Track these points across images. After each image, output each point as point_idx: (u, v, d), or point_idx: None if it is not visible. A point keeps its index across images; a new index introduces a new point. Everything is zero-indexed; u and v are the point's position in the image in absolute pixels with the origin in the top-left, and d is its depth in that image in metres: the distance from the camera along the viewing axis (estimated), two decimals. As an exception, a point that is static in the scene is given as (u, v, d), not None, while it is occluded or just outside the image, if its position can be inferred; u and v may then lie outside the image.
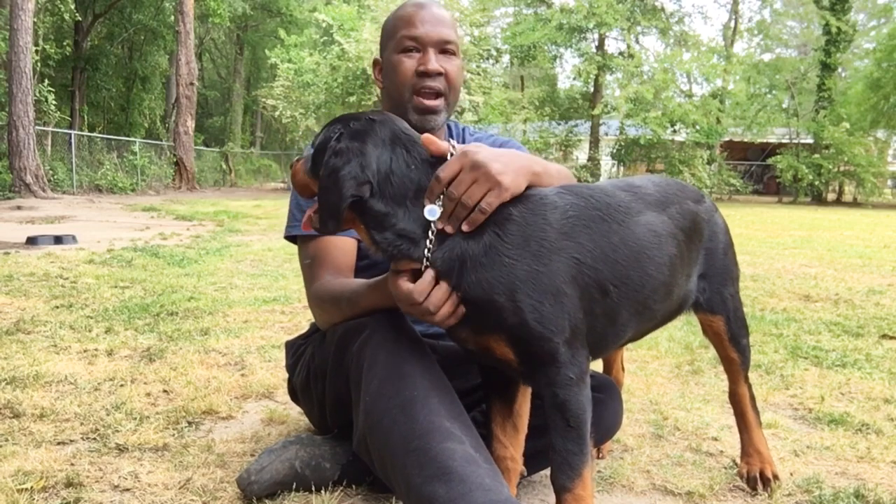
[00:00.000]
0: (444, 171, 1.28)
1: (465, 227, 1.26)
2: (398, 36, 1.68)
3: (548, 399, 1.26)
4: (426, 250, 1.26)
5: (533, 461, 1.60)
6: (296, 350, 1.87)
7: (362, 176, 1.25)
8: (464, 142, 1.89)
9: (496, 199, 1.26)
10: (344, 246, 1.72)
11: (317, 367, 1.69)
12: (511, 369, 1.34)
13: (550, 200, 1.31)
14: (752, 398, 1.81)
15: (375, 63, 1.80)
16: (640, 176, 1.61)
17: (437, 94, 1.68)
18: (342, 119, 1.34)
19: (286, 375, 1.95)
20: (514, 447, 1.48)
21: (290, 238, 1.81)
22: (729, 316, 1.69)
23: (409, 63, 1.67)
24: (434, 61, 1.65)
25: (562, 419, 1.26)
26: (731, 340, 1.72)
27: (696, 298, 1.63)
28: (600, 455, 1.94)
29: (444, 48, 1.68)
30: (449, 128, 1.91)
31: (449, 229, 1.26)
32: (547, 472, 1.80)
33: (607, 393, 1.75)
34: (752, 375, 1.95)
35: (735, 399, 1.81)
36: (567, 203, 1.32)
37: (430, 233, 1.27)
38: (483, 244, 1.25)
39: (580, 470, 1.26)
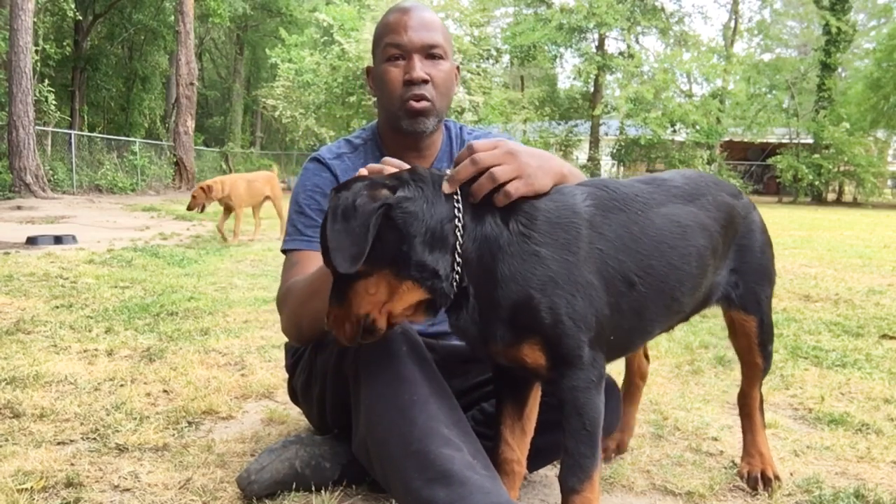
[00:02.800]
0: (479, 143, 1.28)
1: (497, 201, 1.25)
2: (383, 44, 1.68)
3: (568, 402, 1.26)
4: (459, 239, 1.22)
5: (534, 459, 1.60)
6: (295, 351, 1.87)
7: (377, 196, 1.18)
8: (462, 142, 1.89)
9: (523, 188, 1.26)
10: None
11: (317, 369, 1.69)
12: (537, 375, 1.32)
13: (572, 191, 1.33)
14: (762, 402, 1.80)
15: (368, 71, 1.80)
16: (672, 171, 1.59)
17: (426, 100, 1.67)
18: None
19: (286, 376, 1.94)
20: (521, 450, 1.48)
21: (287, 252, 1.75)
22: (763, 319, 1.65)
23: (395, 72, 1.66)
24: (419, 69, 1.64)
25: (579, 422, 1.26)
26: (760, 346, 1.68)
27: (726, 293, 1.59)
28: (604, 456, 1.93)
29: (430, 53, 1.66)
30: (448, 128, 1.91)
31: (447, 188, 1.24)
32: (546, 471, 1.81)
33: (607, 392, 1.73)
34: (752, 375, 1.94)
35: (745, 401, 1.79)
36: (586, 194, 1.33)
37: (457, 212, 1.23)
38: (513, 233, 1.24)
39: (590, 472, 1.27)
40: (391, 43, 1.66)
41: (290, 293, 1.59)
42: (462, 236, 1.23)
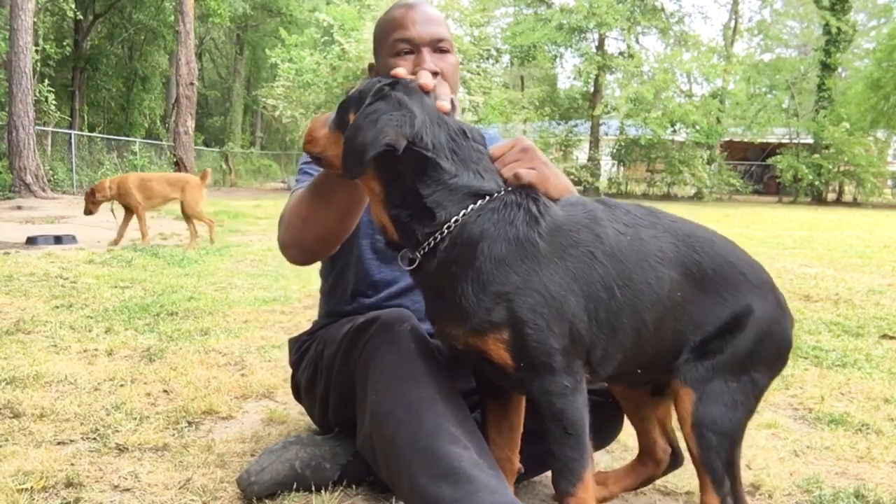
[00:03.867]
0: (495, 147, 1.34)
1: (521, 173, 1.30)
2: (391, 40, 1.67)
3: (545, 407, 1.25)
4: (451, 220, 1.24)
5: (533, 464, 1.60)
6: (300, 346, 1.87)
7: (405, 129, 1.19)
8: None
9: (534, 177, 1.30)
10: None
11: (323, 364, 1.68)
12: (502, 376, 1.30)
13: (579, 200, 1.35)
14: None
15: (371, 68, 1.80)
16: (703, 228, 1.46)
17: None
18: (386, 77, 1.32)
19: (286, 375, 1.95)
20: (510, 447, 1.47)
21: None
22: (708, 411, 1.34)
23: (405, 66, 1.65)
24: (429, 61, 1.64)
25: (559, 427, 1.25)
26: (702, 452, 1.37)
27: (685, 361, 1.37)
28: None
29: (438, 47, 1.67)
30: None
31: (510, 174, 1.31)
32: (547, 472, 1.80)
33: (605, 404, 1.69)
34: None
35: None
36: (588, 202, 1.36)
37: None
38: (515, 222, 1.25)
39: (581, 474, 1.26)
40: (399, 38, 1.66)
41: (296, 196, 1.54)
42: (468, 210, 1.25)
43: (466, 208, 1.24)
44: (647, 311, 1.32)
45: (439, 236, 1.25)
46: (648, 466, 1.68)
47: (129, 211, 7.36)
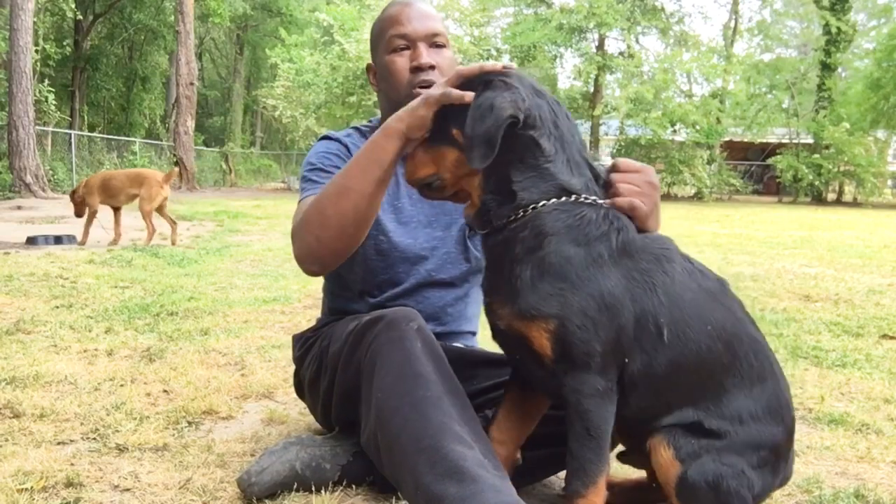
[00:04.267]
0: (623, 161, 1.36)
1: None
2: (387, 36, 1.70)
3: (572, 405, 1.26)
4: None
5: (536, 467, 1.60)
6: (304, 342, 1.86)
7: (520, 104, 1.25)
8: None
9: (642, 214, 1.34)
10: None
11: (328, 359, 1.68)
12: (537, 366, 1.31)
13: (661, 237, 1.38)
14: None
15: (369, 68, 1.82)
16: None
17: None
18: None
19: (286, 375, 1.94)
20: (510, 436, 1.47)
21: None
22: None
23: (402, 61, 1.69)
24: (426, 55, 1.67)
25: (583, 427, 1.25)
26: None
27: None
28: None
29: (434, 41, 1.69)
30: None
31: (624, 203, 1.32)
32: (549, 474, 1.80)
33: None
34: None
35: None
36: (671, 244, 1.37)
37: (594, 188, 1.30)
38: (596, 224, 1.28)
39: (595, 478, 1.26)
40: (396, 34, 1.68)
41: (313, 201, 1.52)
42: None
43: (548, 200, 1.28)
44: (683, 365, 1.30)
45: (514, 216, 1.29)
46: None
47: (117, 209, 7.35)
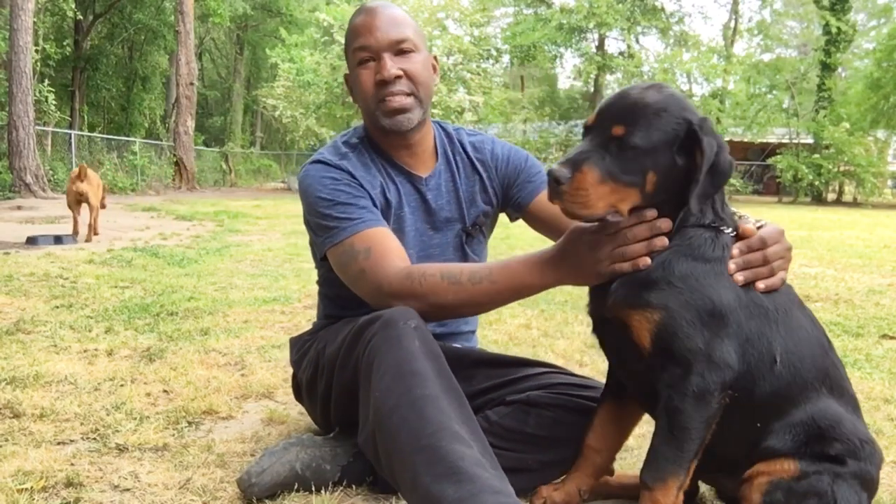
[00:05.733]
0: (767, 230, 1.35)
1: (760, 285, 1.30)
2: (352, 48, 1.69)
3: (664, 400, 1.26)
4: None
5: (540, 470, 1.60)
6: (301, 346, 1.86)
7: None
8: (462, 147, 1.88)
9: (777, 283, 1.32)
10: (393, 236, 1.64)
11: (325, 361, 1.67)
12: (636, 359, 1.30)
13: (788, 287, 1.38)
14: None
15: (346, 78, 1.80)
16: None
17: (405, 94, 1.67)
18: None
19: (286, 375, 1.94)
20: (605, 444, 1.49)
21: (340, 242, 1.62)
22: None
23: (367, 74, 1.67)
24: (390, 67, 1.64)
25: (667, 423, 1.25)
26: None
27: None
28: None
29: (399, 49, 1.66)
30: (445, 130, 1.90)
31: (731, 269, 1.28)
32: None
33: None
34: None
35: None
36: (794, 294, 1.38)
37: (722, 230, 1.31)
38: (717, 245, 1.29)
39: (665, 476, 1.26)
40: (359, 47, 1.67)
41: (430, 277, 1.51)
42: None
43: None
44: (785, 398, 1.30)
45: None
46: None
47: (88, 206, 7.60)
